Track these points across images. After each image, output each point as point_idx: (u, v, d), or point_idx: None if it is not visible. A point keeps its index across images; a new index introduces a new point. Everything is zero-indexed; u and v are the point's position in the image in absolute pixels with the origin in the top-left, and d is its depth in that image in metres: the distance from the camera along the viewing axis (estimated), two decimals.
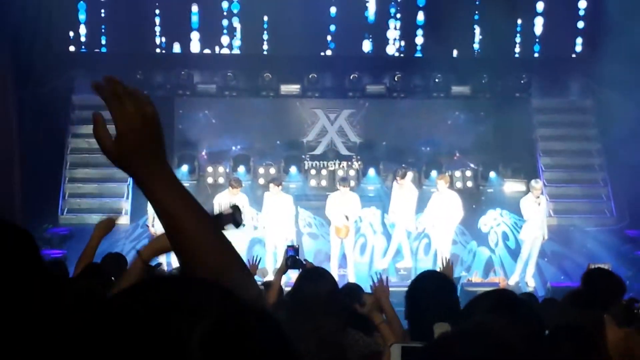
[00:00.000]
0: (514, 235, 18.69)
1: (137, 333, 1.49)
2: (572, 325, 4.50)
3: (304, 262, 7.71)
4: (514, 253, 18.32)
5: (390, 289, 6.36)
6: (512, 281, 17.52)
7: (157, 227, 16.44)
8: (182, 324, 1.49)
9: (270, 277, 15.75)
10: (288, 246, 8.55)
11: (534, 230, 17.36)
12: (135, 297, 1.57)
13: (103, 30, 22.12)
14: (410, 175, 18.72)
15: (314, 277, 5.52)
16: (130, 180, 18.57)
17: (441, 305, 4.69)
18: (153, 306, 1.53)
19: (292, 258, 7.96)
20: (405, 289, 5.39)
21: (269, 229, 17.63)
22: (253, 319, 1.56)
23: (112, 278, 6.69)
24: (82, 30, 22.02)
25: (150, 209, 16.11)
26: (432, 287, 5.21)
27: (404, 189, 18.19)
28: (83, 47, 22.07)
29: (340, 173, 20.92)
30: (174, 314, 1.52)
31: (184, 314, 1.51)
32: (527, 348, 2.26)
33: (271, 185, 17.71)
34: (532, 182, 17.73)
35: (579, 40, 22.67)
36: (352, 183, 18.52)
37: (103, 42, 22.18)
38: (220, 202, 17.16)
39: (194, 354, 1.47)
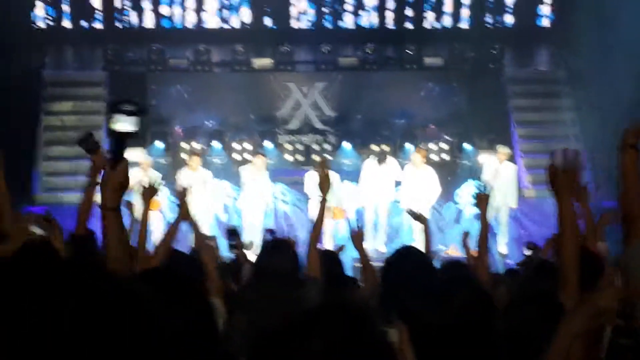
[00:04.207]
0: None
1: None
2: (536, 291, 4.46)
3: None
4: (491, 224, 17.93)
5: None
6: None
7: None
8: (52, 305, 1.67)
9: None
10: (266, 230, 8.44)
11: (494, 196, 17.12)
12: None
13: (73, 6, 21.88)
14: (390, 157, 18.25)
15: (274, 250, 5.46)
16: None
17: (418, 285, 4.54)
18: (23, 288, 1.73)
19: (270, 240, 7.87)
20: None
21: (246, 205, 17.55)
22: (116, 294, 1.75)
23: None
24: (51, 5, 21.77)
25: None
26: (409, 267, 5.08)
27: (385, 168, 17.83)
28: (52, 22, 21.77)
29: (315, 147, 20.85)
30: (43, 294, 1.69)
31: (52, 295, 1.69)
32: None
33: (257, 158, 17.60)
34: (499, 146, 17.89)
35: (549, 9, 22.73)
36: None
37: (73, 18, 21.91)
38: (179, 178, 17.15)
39: (65, 331, 1.65)
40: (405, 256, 5.27)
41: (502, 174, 17.40)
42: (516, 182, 17.89)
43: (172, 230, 6.92)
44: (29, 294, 1.70)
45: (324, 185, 6.35)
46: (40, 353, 1.65)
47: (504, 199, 17.42)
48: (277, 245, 5.60)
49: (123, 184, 3.75)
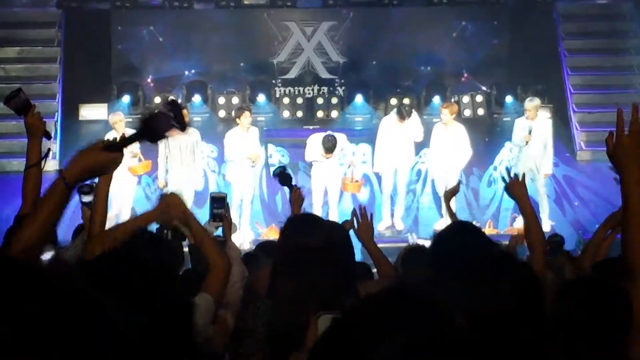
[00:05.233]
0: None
1: None
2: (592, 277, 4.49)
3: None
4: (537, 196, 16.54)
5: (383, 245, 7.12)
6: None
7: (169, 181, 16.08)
8: None
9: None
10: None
11: (525, 161, 16.06)
12: None
13: None
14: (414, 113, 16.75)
15: (302, 226, 5.05)
16: (58, 117, 18.49)
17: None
18: None
19: None
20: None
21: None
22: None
23: None
24: None
25: (160, 161, 15.86)
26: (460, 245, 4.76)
27: (406, 127, 16.16)
28: None
29: (319, 101, 19.49)
30: None
31: None
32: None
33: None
34: (526, 100, 16.56)
35: None
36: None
37: None
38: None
39: None
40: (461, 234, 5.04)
41: (533, 133, 15.91)
42: (551, 143, 16.49)
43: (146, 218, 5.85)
44: None
45: (363, 233, 6.52)
46: None
47: (536, 165, 16.12)
48: (306, 221, 5.25)
49: (95, 169, 3.46)
